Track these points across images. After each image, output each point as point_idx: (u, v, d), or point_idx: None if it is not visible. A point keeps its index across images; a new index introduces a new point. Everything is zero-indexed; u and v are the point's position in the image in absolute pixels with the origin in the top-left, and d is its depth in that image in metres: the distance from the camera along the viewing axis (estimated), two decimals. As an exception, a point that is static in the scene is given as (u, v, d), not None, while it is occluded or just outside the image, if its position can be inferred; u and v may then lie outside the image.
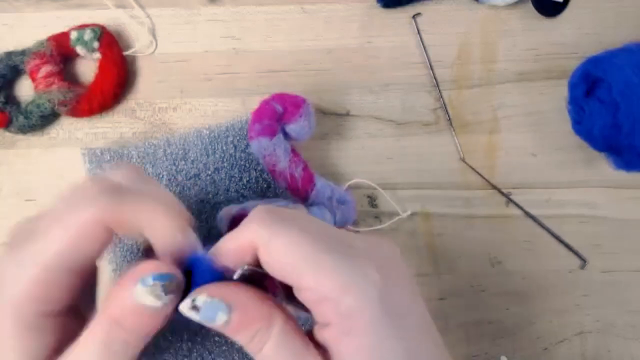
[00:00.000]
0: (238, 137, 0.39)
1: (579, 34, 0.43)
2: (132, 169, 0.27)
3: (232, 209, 0.36)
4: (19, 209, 0.40)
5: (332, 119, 0.42)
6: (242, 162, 0.38)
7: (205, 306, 0.23)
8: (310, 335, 0.24)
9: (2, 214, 0.40)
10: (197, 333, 0.35)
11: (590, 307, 0.40)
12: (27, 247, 0.23)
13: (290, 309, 0.25)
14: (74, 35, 0.40)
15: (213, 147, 0.38)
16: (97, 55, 0.40)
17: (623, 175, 0.40)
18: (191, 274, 0.24)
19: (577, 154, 0.42)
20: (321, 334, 0.23)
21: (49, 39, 0.40)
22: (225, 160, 0.38)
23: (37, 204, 0.40)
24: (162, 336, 0.34)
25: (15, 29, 0.42)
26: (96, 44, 0.40)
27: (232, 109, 0.41)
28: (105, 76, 0.40)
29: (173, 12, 0.43)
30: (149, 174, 0.38)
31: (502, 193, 0.41)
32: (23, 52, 0.40)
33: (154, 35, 0.42)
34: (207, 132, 0.39)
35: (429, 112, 0.42)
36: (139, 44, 0.42)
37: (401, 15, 0.43)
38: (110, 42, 0.40)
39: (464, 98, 0.42)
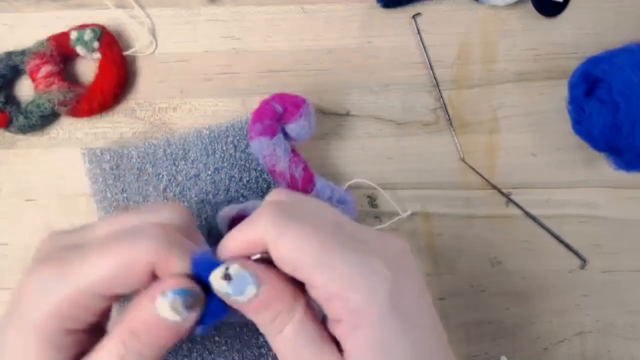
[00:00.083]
0: (238, 137, 0.39)
1: (579, 34, 0.43)
2: (187, 216, 0.27)
3: (232, 209, 0.36)
4: (19, 209, 0.40)
5: (332, 119, 0.42)
6: (242, 162, 0.38)
7: (237, 276, 0.23)
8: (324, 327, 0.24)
9: (2, 214, 0.40)
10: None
11: (590, 307, 0.40)
12: (71, 265, 0.23)
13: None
14: (74, 35, 0.40)
15: (213, 147, 0.38)
16: (97, 55, 0.40)
17: (623, 175, 0.40)
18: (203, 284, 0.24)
19: (577, 154, 0.42)
20: (333, 329, 0.23)
21: (49, 39, 0.40)
22: (225, 160, 0.38)
23: (37, 204, 0.40)
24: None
25: (15, 29, 0.42)
26: (96, 44, 0.40)
27: (232, 109, 0.41)
28: (105, 76, 0.40)
29: (173, 12, 0.43)
30: (149, 174, 0.38)
31: (502, 193, 0.41)
32: (23, 52, 0.40)
33: (154, 35, 0.42)
34: (207, 132, 0.39)
35: (429, 112, 0.42)
36: (139, 44, 0.42)
37: (401, 15, 0.43)
38: (110, 42, 0.40)
39: (464, 98, 0.42)
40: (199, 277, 0.24)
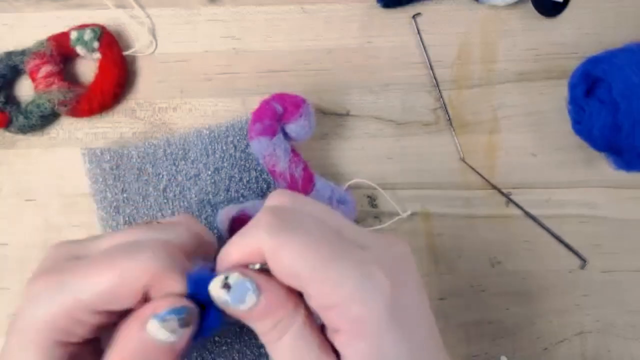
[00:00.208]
0: (238, 137, 0.39)
1: (579, 34, 0.43)
2: (196, 232, 0.27)
3: (232, 209, 0.36)
4: (19, 209, 0.40)
5: (332, 119, 0.42)
6: (242, 162, 0.38)
7: (236, 285, 0.23)
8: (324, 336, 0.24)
9: (2, 214, 0.40)
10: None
11: (590, 307, 0.40)
12: (69, 277, 0.23)
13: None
14: (74, 35, 0.40)
15: (213, 147, 0.38)
16: (97, 55, 0.40)
17: (623, 175, 0.40)
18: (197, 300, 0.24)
19: (577, 154, 0.42)
20: (332, 338, 0.23)
21: (49, 39, 0.40)
22: (225, 160, 0.38)
23: (37, 204, 0.40)
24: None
25: (15, 29, 0.42)
26: (96, 44, 0.40)
27: (232, 109, 0.41)
28: (105, 76, 0.40)
29: (173, 12, 0.43)
30: (149, 174, 0.38)
31: (502, 193, 0.41)
32: (23, 52, 0.40)
33: (154, 35, 0.42)
34: (207, 132, 0.39)
35: (429, 112, 0.42)
36: (139, 44, 0.42)
37: (401, 15, 0.43)
38: (110, 42, 0.40)
39: (464, 98, 0.42)
40: (195, 294, 0.24)
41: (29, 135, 0.41)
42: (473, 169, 0.41)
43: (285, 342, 0.23)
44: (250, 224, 0.24)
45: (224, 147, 0.38)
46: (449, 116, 0.42)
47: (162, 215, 0.38)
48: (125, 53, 0.41)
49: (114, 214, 0.38)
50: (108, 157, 0.38)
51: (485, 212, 0.41)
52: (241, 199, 0.38)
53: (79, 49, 0.40)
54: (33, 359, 0.23)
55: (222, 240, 0.35)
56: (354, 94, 0.42)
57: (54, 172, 0.40)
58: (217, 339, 0.36)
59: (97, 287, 0.23)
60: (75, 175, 0.39)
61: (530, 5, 0.43)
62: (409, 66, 0.43)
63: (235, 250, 0.24)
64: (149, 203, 0.38)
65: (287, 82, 0.42)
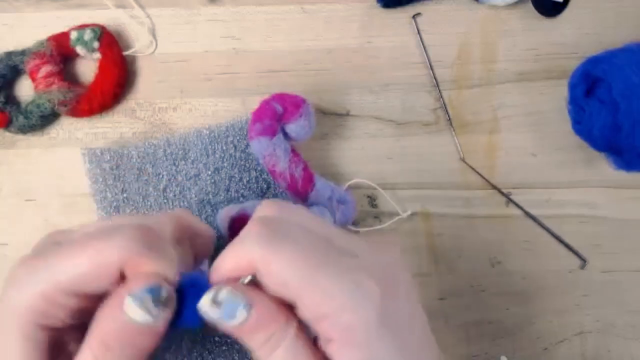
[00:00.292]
0: (238, 137, 0.39)
1: (579, 34, 0.43)
2: (181, 222, 0.27)
3: (232, 209, 0.36)
4: (19, 209, 0.40)
5: (332, 119, 0.42)
6: (242, 162, 0.38)
7: (227, 301, 0.22)
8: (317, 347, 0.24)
9: (2, 214, 0.40)
10: (197, 333, 0.35)
11: (590, 307, 0.40)
12: (47, 260, 0.23)
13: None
14: (74, 35, 0.40)
15: (213, 147, 0.38)
16: (97, 55, 0.40)
17: (623, 175, 0.40)
18: (183, 295, 0.23)
19: (577, 154, 0.42)
20: (324, 348, 0.23)
21: (49, 39, 0.40)
22: (225, 160, 0.38)
23: (37, 204, 0.40)
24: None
25: (15, 29, 0.42)
26: (96, 44, 0.40)
27: (232, 109, 0.41)
28: (105, 76, 0.40)
29: (173, 12, 0.43)
30: (149, 174, 0.38)
31: (502, 193, 0.41)
32: (23, 52, 0.40)
33: (154, 35, 0.42)
34: (207, 132, 0.39)
35: (429, 112, 0.42)
36: (139, 44, 0.42)
37: (401, 15, 0.43)
38: (110, 42, 0.40)
39: (464, 98, 0.42)
40: (182, 289, 0.23)
41: (29, 135, 0.41)
42: (473, 169, 0.41)
43: (278, 356, 0.23)
44: (240, 235, 0.24)
45: (224, 147, 0.38)
46: (449, 116, 0.42)
47: (162, 215, 0.38)
48: (125, 53, 0.41)
49: (114, 214, 0.38)
50: (108, 157, 0.38)
51: (485, 212, 0.41)
52: (241, 199, 0.38)
53: (79, 49, 0.40)
54: (15, 341, 0.23)
55: (222, 240, 0.36)
56: (354, 94, 0.42)
57: (54, 172, 0.40)
58: (217, 339, 0.36)
59: (72, 269, 0.23)
60: (75, 175, 0.39)
61: (530, 5, 0.43)
62: (409, 66, 0.43)
63: (226, 262, 0.24)
64: (149, 203, 0.38)
65: (287, 82, 0.42)
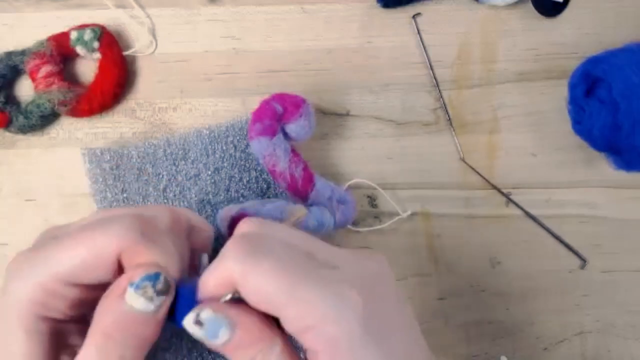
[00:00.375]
0: (238, 137, 0.39)
1: (579, 34, 0.43)
2: (176, 214, 0.27)
3: (232, 209, 0.36)
4: (19, 209, 0.40)
5: (332, 119, 0.42)
6: (242, 162, 0.38)
7: (209, 322, 0.22)
8: None
9: (2, 214, 0.40)
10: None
11: (590, 307, 0.40)
12: (45, 252, 0.24)
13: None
14: (74, 35, 0.40)
15: (213, 147, 0.38)
16: (97, 55, 0.40)
17: (623, 175, 0.40)
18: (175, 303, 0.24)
19: (577, 154, 0.42)
20: None
21: (49, 39, 0.40)
22: (225, 160, 0.38)
23: (37, 204, 0.40)
24: (162, 336, 0.34)
25: (15, 29, 0.42)
26: (96, 44, 0.40)
27: (232, 109, 0.41)
28: (105, 76, 0.40)
29: (173, 12, 0.43)
30: (149, 174, 0.38)
31: (502, 193, 0.41)
32: (23, 52, 0.40)
33: (154, 35, 0.42)
34: (207, 132, 0.39)
35: (429, 112, 0.42)
36: (139, 44, 0.42)
37: (401, 15, 0.43)
38: (110, 42, 0.40)
39: (464, 98, 0.42)
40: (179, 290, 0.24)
41: (29, 135, 0.41)
42: (473, 169, 0.41)
43: None
44: (220, 254, 0.24)
45: (224, 147, 0.38)
46: (449, 116, 0.42)
47: (162, 215, 0.38)
48: (125, 53, 0.41)
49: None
50: (108, 157, 0.38)
51: (485, 212, 0.41)
52: (241, 199, 0.38)
53: (79, 49, 0.40)
54: (18, 333, 0.23)
55: (221, 239, 0.36)
56: (354, 94, 0.42)
57: (54, 172, 0.40)
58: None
59: (71, 259, 0.23)
60: (75, 175, 0.39)
61: (530, 5, 0.43)
62: (409, 66, 0.43)
63: (209, 279, 0.24)
64: (149, 203, 0.38)
65: (287, 82, 0.42)
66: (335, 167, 0.41)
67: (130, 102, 0.41)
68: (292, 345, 0.24)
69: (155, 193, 0.38)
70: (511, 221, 0.41)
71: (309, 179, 0.37)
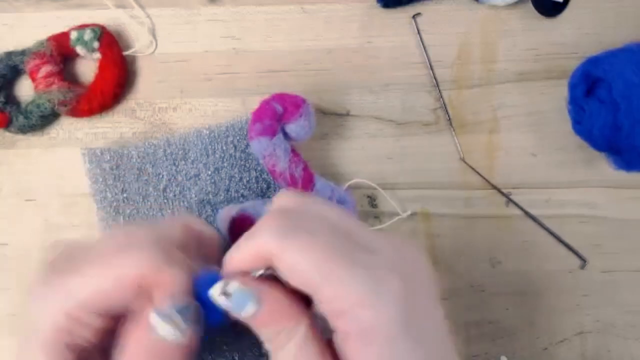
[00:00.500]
0: (238, 137, 0.39)
1: (579, 34, 0.43)
2: (193, 230, 0.27)
3: (232, 209, 0.36)
4: (19, 209, 0.40)
5: (332, 119, 0.42)
6: (242, 162, 0.38)
7: (236, 294, 0.22)
8: (329, 344, 0.24)
9: (2, 214, 0.40)
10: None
11: (590, 307, 0.40)
12: (68, 278, 0.23)
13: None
14: (74, 35, 0.40)
15: (213, 147, 0.38)
16: (97, 55, 0.40)
17: (623, 175, 0.40)
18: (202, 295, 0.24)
19: (577, 154, 0.42)
20: (339, 344, 0.23)
21: (49, 39, 0.40)
22: (225, 160, 0.38)
23: (37, 204, 0.40)
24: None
25: (15, 29, 0.42)
26: (96, 44, 0.40)
27: (232, 109, 0.41)
28: (105, 76, 0.40)
29: (173, 12, 0.43)
30: (149, 174, 0.38)
31: (502, 193, 0.41)
32: (23, 52, 0.40)
33: (154, 35, 0.42)
34: (207, 132, 0.39)
35: (429, 112, 0.42)
36: (139, 44, 0.42)
37: (401, 15, 0.43)
38: (110, 42, 0.40)
39: (464, 98, 0.42)
40: (200, 296, 0.24)
41: (29, 135, 0.41)
42: (473, 169, 0.41)
43: (287, 351, 0.23)
44: (256, 226, 0.23)
45: (224, 147, 0.38)
46: (449, 116, 0.42)
47: (162, 215, 0.38)
48: (125, 53, 0.41)
49: (114, 214, 0.38)
50: (108, 157, 0.38)
51: (485, 212, 0.41)
52: (241, 199, 0.38)
53: (79, 49, 0.40)
54: (43, 357, 0.23)
55: (221, 240, 0.36)
56: (354, 94, 0.42)
57: (54, 172, 0.40)
58: (217, 339, 0.36)
59: (92, 286, 0.23)
60: (75, 175, 0.39)
61: (530, 5, 0.43)
62: (409, 66, 0.43)
63: (240, 254, 0.24)
64: (149, 203, 0.38)
65: (287, 82, 0.42)
66: (335, 167, 0.41)
67: (130, 102, 0.41)
68: (318, 329, 0.24)
69: (155, 193, 0.38)
70: (511, 221, 0.41)
71: (309, 179, 0.37)
